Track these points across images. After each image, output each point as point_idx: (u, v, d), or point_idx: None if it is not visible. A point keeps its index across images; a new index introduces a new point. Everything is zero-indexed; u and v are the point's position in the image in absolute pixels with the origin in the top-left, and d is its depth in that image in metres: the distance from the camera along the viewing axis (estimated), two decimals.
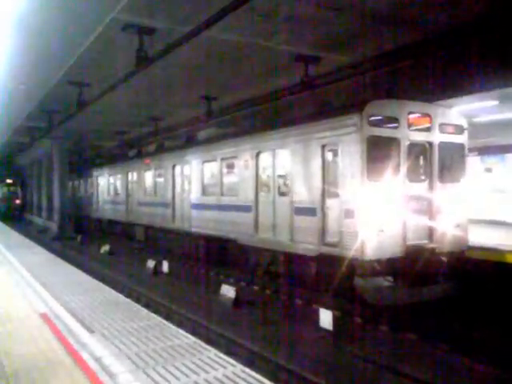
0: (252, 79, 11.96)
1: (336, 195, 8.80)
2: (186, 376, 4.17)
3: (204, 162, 14.10)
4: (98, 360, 4.39)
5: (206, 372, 4.25)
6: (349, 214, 8.38)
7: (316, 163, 9.32)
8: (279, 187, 10.65)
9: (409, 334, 7.46)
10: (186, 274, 13.52)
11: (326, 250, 8.98)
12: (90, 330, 5.50)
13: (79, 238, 22.63)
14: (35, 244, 16.30)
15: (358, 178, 8.23)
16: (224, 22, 6.83)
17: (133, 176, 20.23)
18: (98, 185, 25.24)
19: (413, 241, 8.56)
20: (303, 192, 9.72)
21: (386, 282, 8.42)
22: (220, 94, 13.68)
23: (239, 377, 4.12)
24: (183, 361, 4.55)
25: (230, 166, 12.89)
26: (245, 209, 11.66)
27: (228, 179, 13.09)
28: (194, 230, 14.56)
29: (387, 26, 8.22)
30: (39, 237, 24.28)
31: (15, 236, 19.71)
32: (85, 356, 4.49)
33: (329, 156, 9.33)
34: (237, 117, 15.71)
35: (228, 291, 9.95)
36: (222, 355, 4.73)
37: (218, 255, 13.75)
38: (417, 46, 9.17)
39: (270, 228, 10.73)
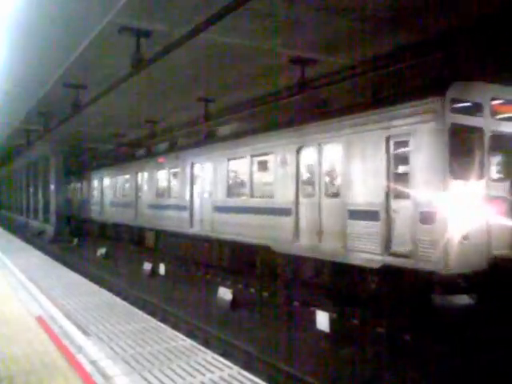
0: (249, 81, 11.96)
1: (406, 196, 7.46)
2: (182, 378, 4.17)
3: (230, 159, 12.52)
4: (93, 363, 4.37)
5: (203, 374, 4.25)
6: (427, 218, 7.03)
7: (378, 158, 7.91)
8: (327, 187, 9.30)
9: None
10: (183, 277, 13.50)
11: (391, 261, 7.56)
12: (86, 333, 5.48)
13: (75, 241, 22.55)
14: (31, 247, 16.25)
15: (438, 176, 6.99)
16: (221, 25, 6.82)
17: (143, 176, 18.60)
18: (102, 187, 23.74)
19: (497, 250, 7.30)
20: (360, 192, 8.29)
21: (469, 299, 7.06)
22: (217, 96, 13.67)
23: (236, 379, 4.12)
24: (179, 363, 4.54)
25: (263, 164, 11.38)
26: (282, 212, 10.19)
27: (260, 178, 11.58)
28: (216, 235, 12.92)
29: (386, 28, 8.24)
30: (35, 240, 24.19)
31: (11, 239, 19.63)
32: (80, 359, 4.47)
33: (396, 149, 7.85)
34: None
35: (225, 293, 9.94)
36: (218, 357, 4.73)
37: (245, 264, 12.20)
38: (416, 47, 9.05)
39: (314, 234, 9.29)
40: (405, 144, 7.62)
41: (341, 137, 8.79)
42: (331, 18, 7.82)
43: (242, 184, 12.16)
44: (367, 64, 10.05)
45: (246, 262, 12.12)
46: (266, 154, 11.08)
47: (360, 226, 8.19)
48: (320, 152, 9.38)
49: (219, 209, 12.90)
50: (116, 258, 17.79)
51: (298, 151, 9.92)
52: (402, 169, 7.76)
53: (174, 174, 15.93)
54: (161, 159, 16.88)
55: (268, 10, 7.52)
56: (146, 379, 4.15)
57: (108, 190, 22.84)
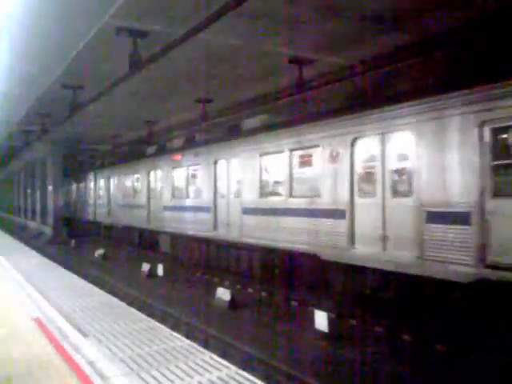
0: (247, 81, 11.96)
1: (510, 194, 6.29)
2: (180, 379, 4.16)
3: (262, 154, 11.14)
4: (91, 364, 4.36)
5: (201, 375, 4.24)
6: None
7: (467, 149, 6.70)
8: (393, 185, 7.95)
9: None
10: (182, 277, 13.48)
11: (491, 274, 6.33)
12: (84, 334, 5.47)
13: (73, 242, 22.52)
14: (29, 248, 16.21)
15: None
16: (218, 25, 6.83)
17: (156, 175, 17.29)
18: (109, 187, 22.54)
19: None
20: (442, 190, 7.04)
21: None
22: (215, 97, 13.67)
23: (234, 379, 4.12)
24: (177, 364, 4.53)
25: (306, 159, 9.96)
26: (331, 214, 8.92)
27: (302, 176, 10.14)
28: (245, 240, 11.63)
29: (385, 28, 8.25)
30: (33, 241, 24.15)
31: (9, 240, 19.59)
32: (79, 360, 4.46)
33: (492, 137, 6.53)
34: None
35: (223, 294, 9.93)
36: (216, 358, 4.73)
37: (281, 273, 10.86)
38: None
39: (375, 240, 8.01)
40: (507, 130, 6.35)
41: (412, 124, 7.55)
42: (330, 17, 7.83)
43: (279, 182, 10.71)
44: (366, 64, 10.07)
45: (282, 271, 10.73)
46: (309, 147, 9.69)
47: (443, 232, 6.92)
48: (382, 143, 8.06)
49: (249, 211, 11.56)
50: (114, 260, 17.76)
51: (353, 143, 8.60)
52: (503, 161, 6.40)
53: (194, 173, 14.64)
54: (177, 156, 15.41)
55: (266, 10, 7.52)
56: (144, 380, 4.14)
57: (116, 191, 21.60)
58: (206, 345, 7.08)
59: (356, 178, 8.61)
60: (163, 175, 16.60)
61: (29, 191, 33.58)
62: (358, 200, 8.49)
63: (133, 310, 6.97)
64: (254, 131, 12.06)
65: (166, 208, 16.23)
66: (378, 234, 7.97)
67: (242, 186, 12.00)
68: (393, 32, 8.46)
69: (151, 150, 19.13)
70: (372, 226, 8.14)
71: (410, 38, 8.79)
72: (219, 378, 4.14)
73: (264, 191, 11.28)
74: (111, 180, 22.38)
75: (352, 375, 6.18)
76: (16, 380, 4.03)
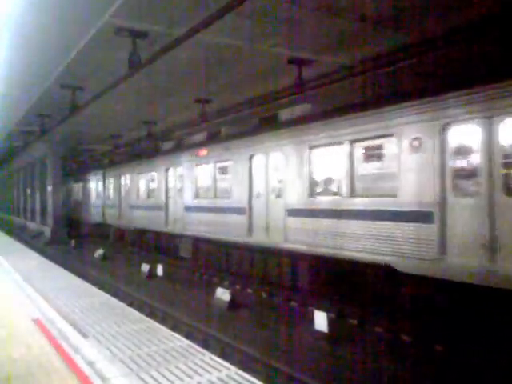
0: (246, 82, 11.96)
1: None
2: (180, 379, 4.16)
3: (313, 147, 9.62)
4: (91, 364, 4.36)
5: (200, 375, 4.24)
6: None
7: None
8: (506, 181, 6.39)
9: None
10: (181, 278, 13.48)
11: None
12: (84, 335, 5.46)
13: (73, 242, 22.50)
14: (29, 249, 16.20)
15: None
16: (218, 25, 6.83)
17: (176, 173, 15.59)
18: (119, 187, 20.99)
19: None
20: None
21: None
22: (214, 97, 13.68)
23: (234, 380, 4.12)
24: (177, 364, 4.53)
25: (373, 151, 8.52)
26: (413, 217, 7.49)
27: (367, 171, 8.62)
28: (291, 245, 10.09)
29: (384, 28, 8.25)
30: (33, 241, 24.14)
31: (8, 240, 19.57)
32: (78, 361, 4.45)
33: None
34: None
35: (223, 294, 9.93)
36: (216, 358, 4.72)
37: (336, 285, 9.32)
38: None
39: (480, 251, 6.51)
40: None
41: None
42: (330, 17, 7.84)
43: (334, 179, 9.38)
44: (366, 64, 10.08)
45: (337, 284, 9.30)
46: (379, 136, 8.22)
47: None
48: (488, 129, 6.54)
49: (295, 212, 10.02)
50: (114, 260, 17.75)
51: (444, 130, 7.10)
52: None
53: (223, 169, 12.99)
54: (202, 152, 13.75)
55: (266, 10, 7.52)
56: (143, 380, 4.14)
57: (128, 191, 19.98)
58: (205, 345, 7.08)
59: (449, 171, 7.07)
60: (184, 173, 14.89)
61: (28, 191, 33.56)
62: (452, 199, 7.01)
63: (132, 311, 6.96)
64: (298, 121, 10.43)
65: (187, 209, 14.58)
66: (484, 243, 6.45)
67: (286, 184, 10.33)
68: (392, 32, 8.47)
69: (168, 145, 17.55)
70: (475, 232, 6.62)
71: (409, 38, 8.81)
72: (219, 379, 4.14)
73: (314, 190, 9.78)
74: (122, 179, 20.78)
75: (351, 375, 6.18)
76: (16, 381, 4.03)
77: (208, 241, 13.66)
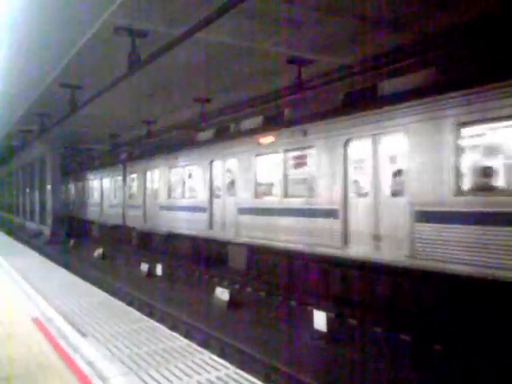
0: (246, 81, 11.97)
1: None
2: (179, 379, 4.16)
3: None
4: (90, 363, 4.36)
5: (199, 374, 4.24)
6: None
7: None
8: None
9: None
10: (180, 277, 13.48)
11: None
12: (83, 334, 5.46)
13: (71, 242, 22.50)
14: (28, 248, 16.20)
15: None
16: (217, 25, 6.83)
17: (223, 168, 13.00)
18: (144, 185, 18.22)
19: None
20: None
21: None
22: (213, 96, 13.68)
23: (232, 379, 4.12)
24: (176, 363, 4.53)
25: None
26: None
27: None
28: (420, 263, 7.30)
29: (384, 28, 8.26)
30: (32, 241, 24.13)
31: (7, 240, 19.56)
32: (77, 360, 4.45)
33: None
34: None
35: (222, 293, 9.93)
36: (215, 357, 4.73)
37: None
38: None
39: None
40: None
41: None
42: (330, 17, 7.84)
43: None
44: (365, 63, 10.08)
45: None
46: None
47: None
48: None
49: (429, 216, 7.26)
50: (113, 259, 17.75)
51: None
52: None
53: (299, 161, 10.35)
54: (265, 138, 11.04)
55: (265, 10, 7.52)
56: (142, 380, 4.14)
57: (156, 189, 17.14)
58: (204, 344, 7.08)
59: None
60: (238, 166, 12.05)
61: (28, 191, 33.54)
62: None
63: (132, 310, 6.96)
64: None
65: (242, 211, 11.91)
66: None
67: (411, 176, 7.61)
68: (392, 32, 8.47)
69: (206, 135, 14.66)
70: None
71: (409, 38, 8.81)
72: (218, 378, 4.14)
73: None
74: (148, 175, 17.93)
75: (351, 375, 6.19)
76: (15, 380, 4.03)
77: (271, 250, 10.78)
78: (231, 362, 4.73)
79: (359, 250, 8.41)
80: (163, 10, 7.58)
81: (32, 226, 30.33)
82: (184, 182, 15.26)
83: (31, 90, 12.91)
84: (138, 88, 12.32)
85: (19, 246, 16.66)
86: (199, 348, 5.06)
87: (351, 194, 8.75)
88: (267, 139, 11.05)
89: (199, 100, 13.89)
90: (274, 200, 10.82)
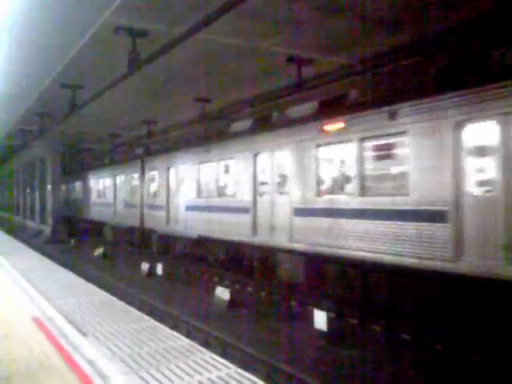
0: (246, 81, 11.97)
1: None
2: (180, 378, 4.16)
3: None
4: (91, 363, 4.36)
5: (200, 374, 4.24)
6: None
7: None
8: None
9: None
10: (181, 276, 13.48)
11: None
12: (83, 333, 5.46)
13: (72, 241, 22.50)
14: (28, 248, 16.20)
15: None
16: (218, 24, 6.83)
17: (272, 162, 10.82)
18: (167, 182, 16.01)
19: None
20: None
21: None
22: (213, 96, 13.68)
23: (234, 378, 4.12)
24: (177, 363, 4.53)
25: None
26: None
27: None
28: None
29: (384, 27, 8.26)
30: (32, 241, 24.13)
31: (7, 239, 19.57)
32: (78, 359, 4.45)
33: None
34: None
35: (223, 293, 9.93)
36: (216, 357, 4.73)
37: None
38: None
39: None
40: None
41: None
42: (330, 17, 7.84)
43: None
44: (365, 63, 10.09)
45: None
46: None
47: None
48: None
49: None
50: (113, 259, 17.75)
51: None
52: None
53: (380, 152, 8.45)
54: (331, 125, 9.13)
55: (266, 9, 7.52)
56: (143, 379, 4.14)
57: (183, 187, 15.06)
58: (205, 344, 7.09)
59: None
60: (294, 159, 10.09)
61: (28, 190, 33.55)
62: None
63: (132, 309, 6.97)
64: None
65: (300, 212, 9.85)
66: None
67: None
68: (392, 32, 8.48)
69: (242, 125, 12.74)
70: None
71: (409, 38, 8.81)
72: (219, 378, 4.14)
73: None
74: (172, 171, 15.80)
75: (351, 374, 6.19)
76: (15, 380, 4.03)
77: (340, 261, 9.00)
78: (232, 362, 4.74)
79: (487, 264, 6.42)
80: (163, 9, 7.58)
81: (32, 225, 30.34)
82: (218, 179, 13.15)
83: (31, 89, 12.91)
84: (138, 88, 12.32)
85: (19, 246, 16.66)
86: (200, 347, 5.07)
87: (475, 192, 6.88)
88: (334, 126, 9.14)
89: (199, 100, 13.89)
90: (345, 199, 8.84)
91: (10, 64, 10.78)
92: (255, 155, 11.41)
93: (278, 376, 6.18)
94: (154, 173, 17.28)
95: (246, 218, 11.53)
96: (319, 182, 9.59)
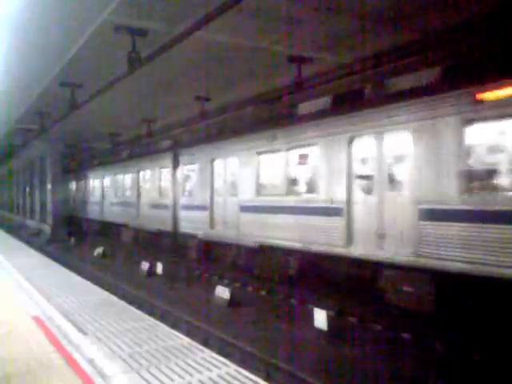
0: (246, 80, 11.95)
1: None
2: (180, 377, 4.17)
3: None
4: (91, 362, 4.36)
5: (200, 373, 4.25)
6: None
7: None
8: None
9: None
10: (181, 275, 13.48)
11: None
12: (84, 332, 5.47)
13: (72, 240, 22.50)
14: (28, 247, 16.20)
15: None
16: (217, 23, 6.82)
17: (379, 147, 8.30)
18: (209, 178, 13.63)
19: None
20: None
21: None
22: (214, 95, 13.67)
23: (233, 377, 4.12)
24: (177, 362, 4.54)
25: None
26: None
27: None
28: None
29: (384, 26, 8.25)
30: (32, 240, 24.13)
31: (8, 238, 19.57)
32: (78, 358, 4.46)
33: None
34: None
35: (223, 292, 9.94)
36: (216, 356, 4.73)
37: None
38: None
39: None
40: None
41: None
42: (330, 16, 7.83)
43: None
44: (365, 62, 10.07)
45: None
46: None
47: None
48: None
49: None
50: (113, 258, 17.75)
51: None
52: None
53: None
54: (493, 92, 6.48)
55: (266, 8, 7.52)
56: (143, 378, 4.15)
57: (229, 184, 12.88)
58: (205, 343, 7.09)
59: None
60: (423, 142, 7.49)
61: (28, 189, 33.53)
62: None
63: (132, 309, 6.97)
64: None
65: (433, 215, 7.29)
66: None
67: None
68: (393, 30, 8.47)
69: (306, 107, 10.60)
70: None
71: (410, 37, 8.80)
72: (219, 376, 4.15)
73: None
74: (217, 164, 13.53)
75: (352, 372, 6.20)
76: (15, 379, 4.03)
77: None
78: (232, 360, 4.75)
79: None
80: (163, 8, 7.57)
81: (32, 224, 30.33)
82: (289, 173, 10.61)
83: (31, 88, 12.91)
84: (138, 87, 12.31)
85: (19, 245, 16.66)
86: (200, 346, 5.07)
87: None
88: (498, 93, 6.40)
89: (199, 98, 13.88)
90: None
91: (9, 63, 10.77)
92: (350, 139, 8.83)
93: (277, 374, 6.19)
94: (192, 167, 14.71)
95: (335, 222, 9.01)
96: (468, 174, 6.83)
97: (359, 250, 8.53)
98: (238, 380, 4.06)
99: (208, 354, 4.78)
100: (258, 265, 11.52)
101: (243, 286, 11.53)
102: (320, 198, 9.52)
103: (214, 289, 10.36)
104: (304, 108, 10.65)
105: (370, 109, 8.50)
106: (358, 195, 8.72)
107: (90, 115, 16.03)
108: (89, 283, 9.12)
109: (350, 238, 8.74)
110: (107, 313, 6.51)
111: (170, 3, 7.37)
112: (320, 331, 7.53)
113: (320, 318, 7.59)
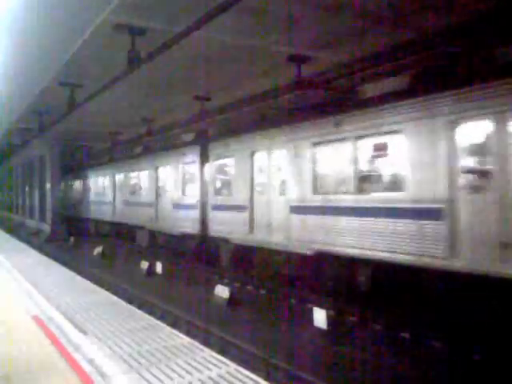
0: (246, 79, 11.94)
1: None
2: (181, 376, 4.17)
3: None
4: (91, 361, 4.36)
5: (200, 372, 4.25)
6: None
7: None
8: None
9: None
10: (180, 275, 13.48)
11: None
12: (83, 332, 5.47)
13: (72, 240, 22.49)
14: (27, 246, 16.19)
15: None
16: (217, 22, 6.81)
17: (499, 133, 6.49)
18: (248, 174, 11.98)
19: None
20: None
21: None
22: (214, 95, 13.65)
23: (233, 376, 4.12)
24: (177, 361, 4.54)
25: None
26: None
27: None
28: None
29: (384, 25, 8.24)
30: (32, 239, 24.11)
31: (7, 238, 19.56)
32: (78, 358, 4.46)
33: None
34: None
35: (222, 291, 9.94)
36: (216, 355, 4.73)
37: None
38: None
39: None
40: None
41: None
42: (330, 15, 7.82)
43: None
44: (365, 61, 10.06)
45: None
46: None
47: None
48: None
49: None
50: (113, 257, 17.75)
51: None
52: None
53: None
54: None
55: (266, 7, 7.50)
56: (143, 377, 4.15)
57: (273, 181, 11.21)
58: (205, 342, 7.09)
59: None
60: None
61: (27, 189, 33.49)
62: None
63: (132, 308, 6.97)
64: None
65: None
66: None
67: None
68: (393, 30, 8.46)
69: (370, 90, 9.47)
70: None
71: (410, 36, 8.80)
72: (219, 375, 4.15)
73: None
74: (257, 158, 11.87)
75: (351, 372, 6.20)
76: (15, 378, 4.03)
77: None
78: (232, 360, 4.74)
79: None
80: (163, 7, 7.56)
81: (31, 223, 30.30)
82: (356, 167, 8.92)
83: (30, 88, 12.89)
84: (138, 86, 12.29)
85: (19, 244, 16.65)
86: (200, 345, 5.07)
87: None
88: None
89: (199, 98, 13.86)
90: None
91: (8, 62, 10.75)
92: (453, 123, 7.11)
93: (277, 374, 6.19)
94: (225, 162, 13.11)
95: (430, 227, 7.26)
96: None
97: (465, 262, 6.68)
98: (238, 379, 4.06)
99: (208, 353, 4.78)
100: (317, 274, 9.85)
101: (243, 285, 11.53)
102: (405, 197, 7.76)
103: (213, 288, 10.36)
104: (377, 89, 8.97)
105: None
106: (465, 193, 6.90)
107: (89, 115, 16.01)
108: (88, 282, 9.11)
109: (452, 247, 6.87)
110: (107, 312, 6.51)
111: (169, 2, 7.36)
112: (319, 330, 7.53)
113: (319, 317, 7.59)
